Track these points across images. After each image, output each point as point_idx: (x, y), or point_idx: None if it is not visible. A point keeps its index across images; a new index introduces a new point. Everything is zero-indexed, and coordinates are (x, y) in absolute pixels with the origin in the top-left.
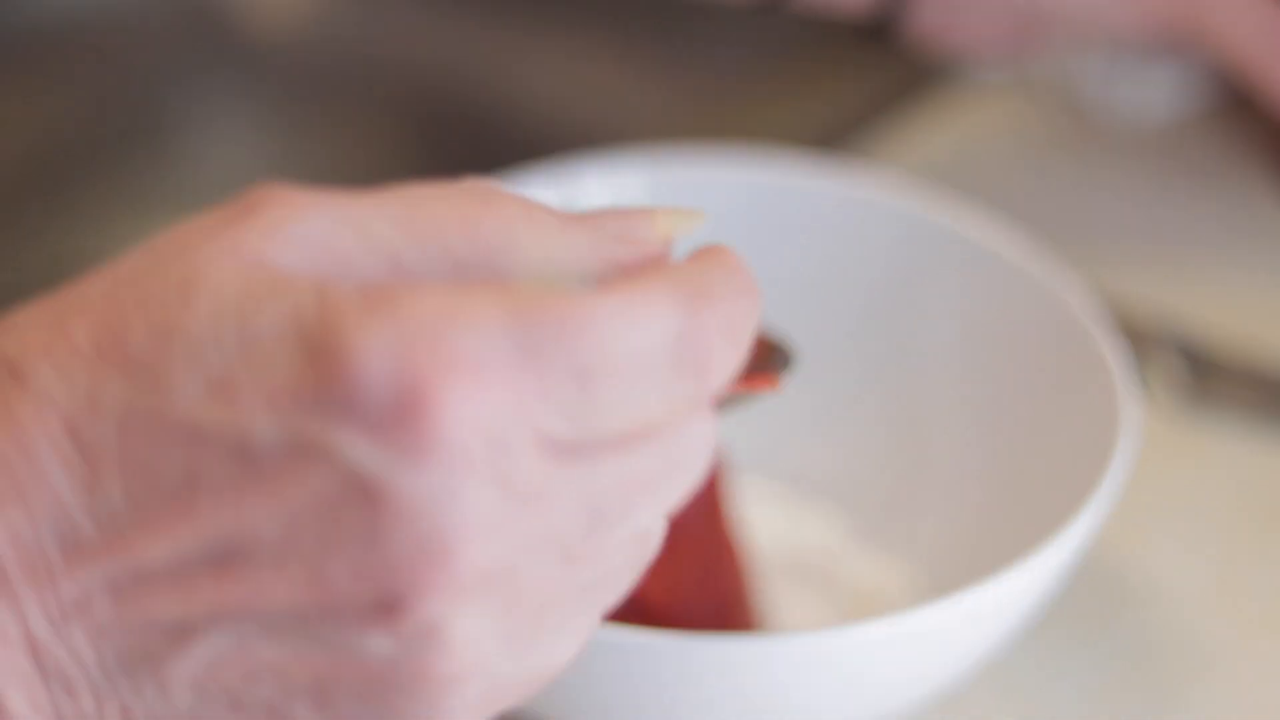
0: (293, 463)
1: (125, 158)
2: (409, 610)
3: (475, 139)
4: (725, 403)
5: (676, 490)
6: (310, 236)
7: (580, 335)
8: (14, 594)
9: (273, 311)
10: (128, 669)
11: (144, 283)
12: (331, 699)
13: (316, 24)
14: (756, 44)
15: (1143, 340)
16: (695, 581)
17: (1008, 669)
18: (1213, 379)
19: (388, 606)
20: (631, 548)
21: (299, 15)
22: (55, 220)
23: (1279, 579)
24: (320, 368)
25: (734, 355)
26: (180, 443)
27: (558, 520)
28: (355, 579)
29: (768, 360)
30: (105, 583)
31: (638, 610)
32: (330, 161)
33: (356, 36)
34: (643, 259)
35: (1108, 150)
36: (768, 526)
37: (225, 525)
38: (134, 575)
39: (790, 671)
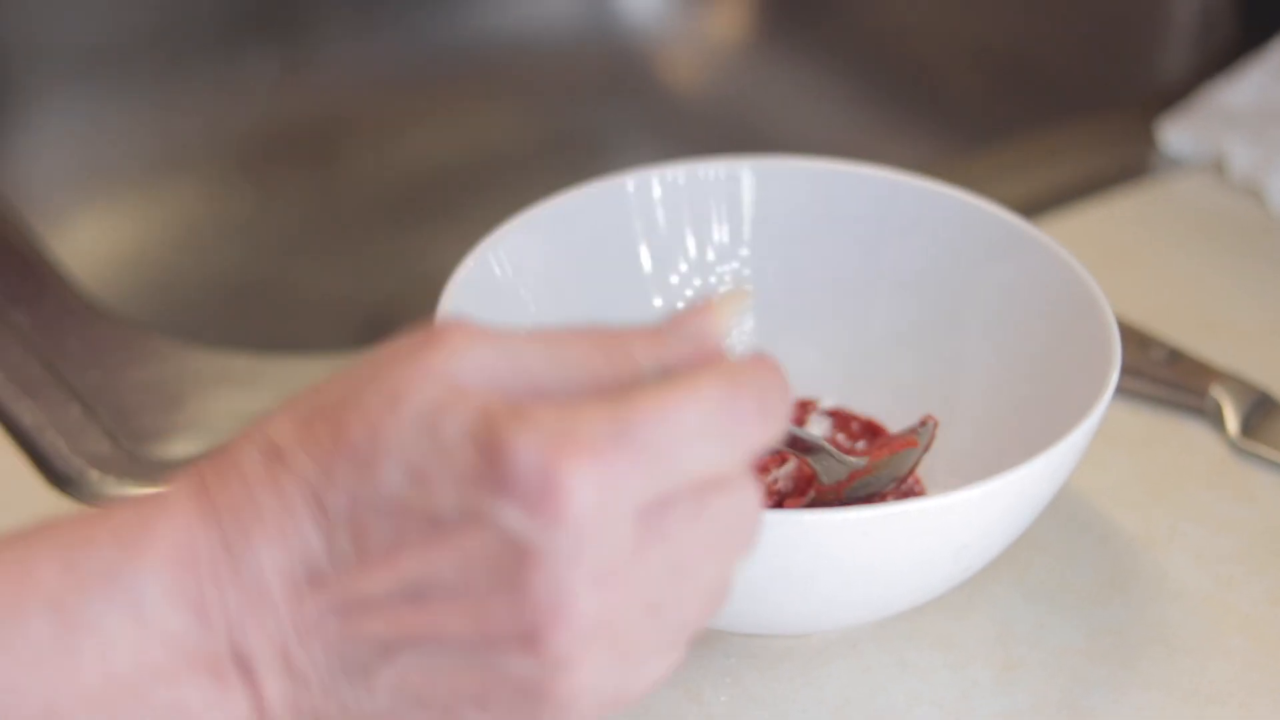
0: (467, 526)
1: (542, 171)
2: (546, 642)
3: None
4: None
5: (737, 549)
6: (478, 361)
7: (654, 417)
8: (276, 610)
9: (453, 419)
10: (347, 673)
11: (364, 393)
12: (488, 704)
13: (720, 78)
14: (995, 117)
15: (1216, 375)
16: None
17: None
18: (1276, 420)
19: (531, 638)
20: (705, 596)
21: (707, 68)
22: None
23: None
24: (488, 458)
25: (768, 426)
26: (389, 513)
27: (647, 575)
28: (509, 616)
29: (912, 430)
30: (336, 608)
31: None
32: None
33: (750, 94)
34: (704, 355)
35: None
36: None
37: (420, 570)
38: (356, 604)
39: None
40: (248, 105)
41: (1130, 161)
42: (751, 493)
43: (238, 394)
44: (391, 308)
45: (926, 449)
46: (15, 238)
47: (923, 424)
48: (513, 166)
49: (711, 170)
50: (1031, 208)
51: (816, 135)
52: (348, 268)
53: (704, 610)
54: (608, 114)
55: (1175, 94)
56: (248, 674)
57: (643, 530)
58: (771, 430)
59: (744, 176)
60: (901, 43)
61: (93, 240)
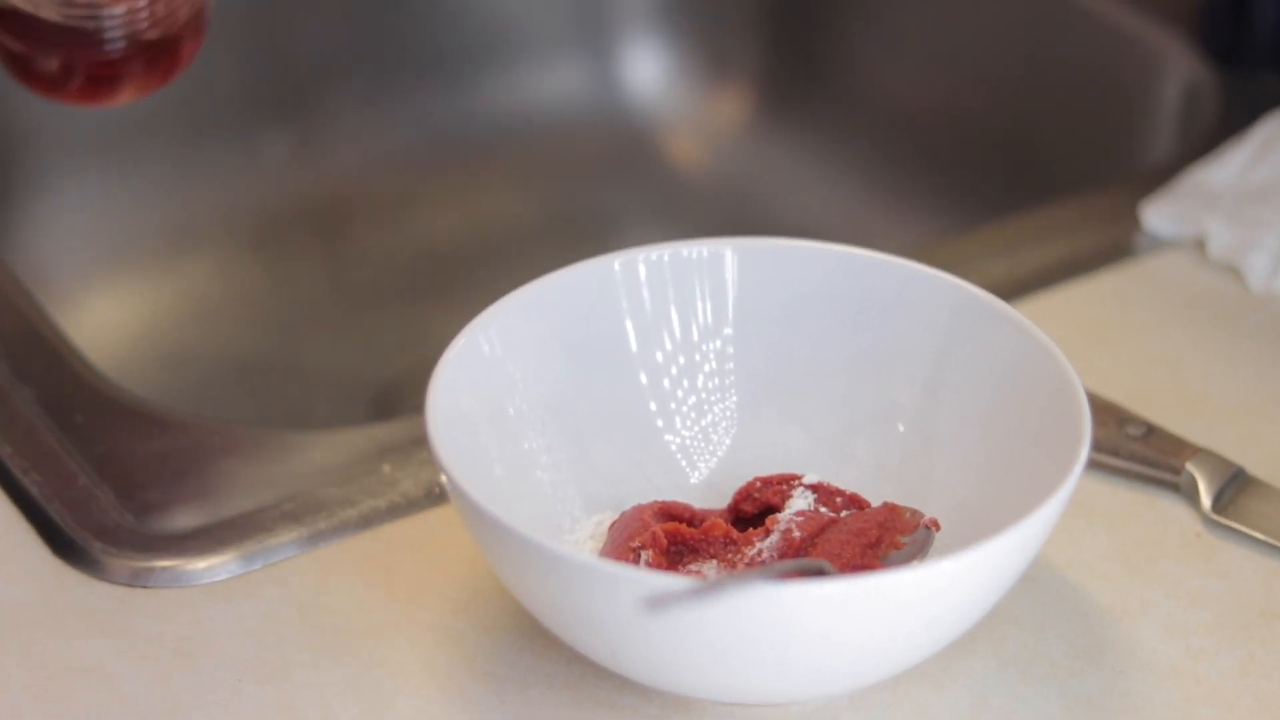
0: None
1: (548, 248)
2: None
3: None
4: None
5: None
6: None
7: None
8: None
9: None
10: None
11: None
12: None
13: (723, 156)
14: (989, 196)
15: (1192, 450)
16: None
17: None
18: (1249, 495)
19: None
20: None
21: (711, 147)
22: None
23: (1248, 668)
24: None
25: None
26: None
27: None
28: None
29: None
30: None
31: None
32: None
33: (753, 172)
34: None
35: (1250, 324)
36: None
37: None
38: None
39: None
40: (258, 183)
41: (1114, 241)
42: None
43: (243, 467)
44: (399, 384)
45: (923, 556)
46: (25, 311)
47: (923, 526)
48: (520, 244)
49: (695, 250)
50: (1019, 286)
51: (817, 213)
52: (356, 344)
53: None
54: (613, 192)
55: (1159, 176)
56: None
57: None
58: None
59: (727, 256)
60: (901, 122)
61: (104, 315)
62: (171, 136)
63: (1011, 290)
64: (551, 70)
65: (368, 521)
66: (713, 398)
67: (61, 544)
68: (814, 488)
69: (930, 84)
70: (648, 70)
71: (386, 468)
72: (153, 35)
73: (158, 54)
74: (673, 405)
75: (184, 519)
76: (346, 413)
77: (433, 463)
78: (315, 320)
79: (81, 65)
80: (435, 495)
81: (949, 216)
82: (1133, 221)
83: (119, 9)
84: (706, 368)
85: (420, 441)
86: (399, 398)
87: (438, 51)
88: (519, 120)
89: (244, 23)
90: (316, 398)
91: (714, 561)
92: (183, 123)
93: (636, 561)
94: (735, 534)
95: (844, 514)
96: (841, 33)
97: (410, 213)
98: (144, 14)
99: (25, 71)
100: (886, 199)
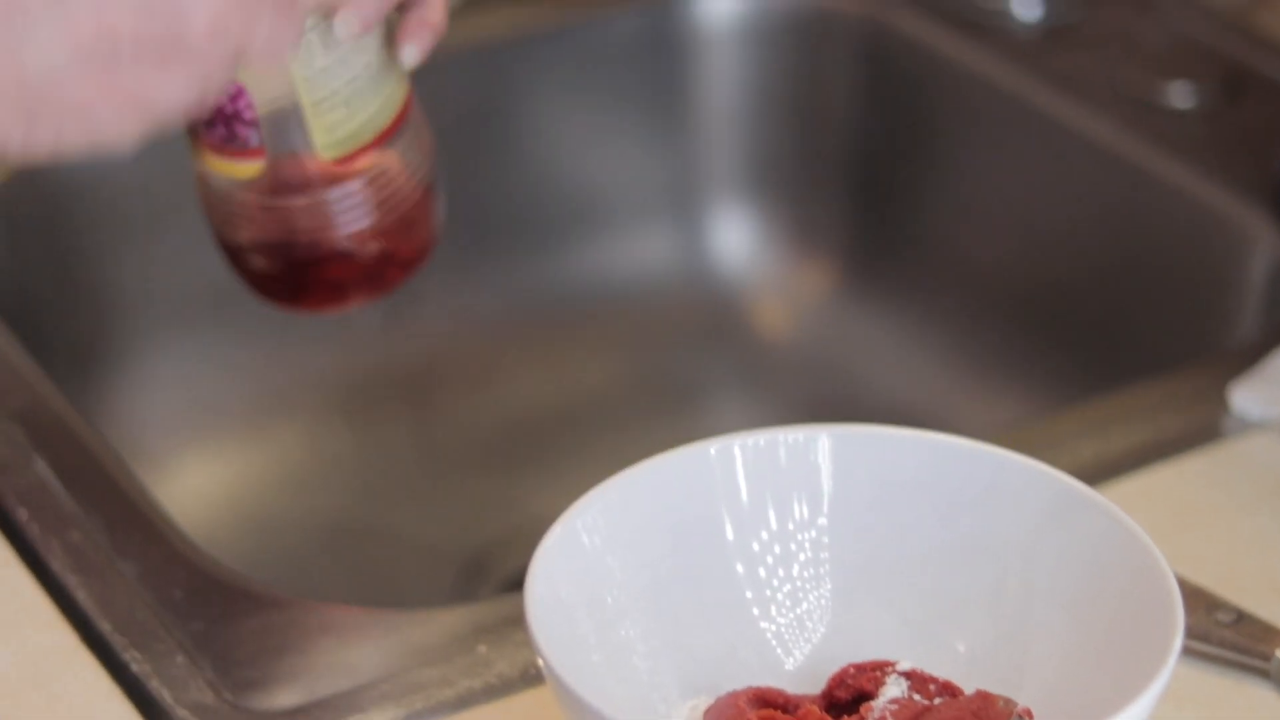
0: None
1: (636, 417)
2: None
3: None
4: None
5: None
6: None
7: None
8: None
9: None
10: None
11: None
12: (142, 47)
13: (809, 327)
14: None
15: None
16: None
17: None
18: None
19: None
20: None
21: (797, 317)
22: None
23: None
24: None
25: None
26: None
27: None
28: None
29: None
30: None
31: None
32: None
33: (838, 344)
34: None
35: None
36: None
37: None
38: None
39: None
40: (349, 349)
41: (1202, 423)
42: None
43: (341, 645)
44: (487, 552)
45: None
46: (125, 487)
47: (1017, 715)
48: (606, 411)
49: (791, 437)
50: (1107, 468)
51: (902, 385)
52: (444, 510)
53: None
54: (699, 360)
55: (1247, 356)
56: None
57: None
58: None
59: (822, 443)
60: (986, 296)
61: (195, 480)
62: (260, 306)
63: (1100, 473)
64: (640, 238)
65: (464, 702)
66: (807, 585)
67: None
68: (908, 675)
69: (1016, 258)
70: (735, 239)
71: (482, 648)
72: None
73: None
74: (768, 593)
75: (282, 697)
76: (435, 580)
77: (529, 645)
78: (404, 487)
79: (318, 266)
80: (531, 677)
81: (1034, 391)
82: (1220, 403)
83: (352, 184)
84: (802, 556)
85: (515, 621)
86: (487, 565)
87: (527, 218)
88: (607, 287)
89: None
90: (405, 564)
91: None
92: None
93: None
94: None
95: (937, 701)
96: (928, 205)
97: (498, 379)
98: (371, 192)
99: (269, 287)
100: (971, 372)
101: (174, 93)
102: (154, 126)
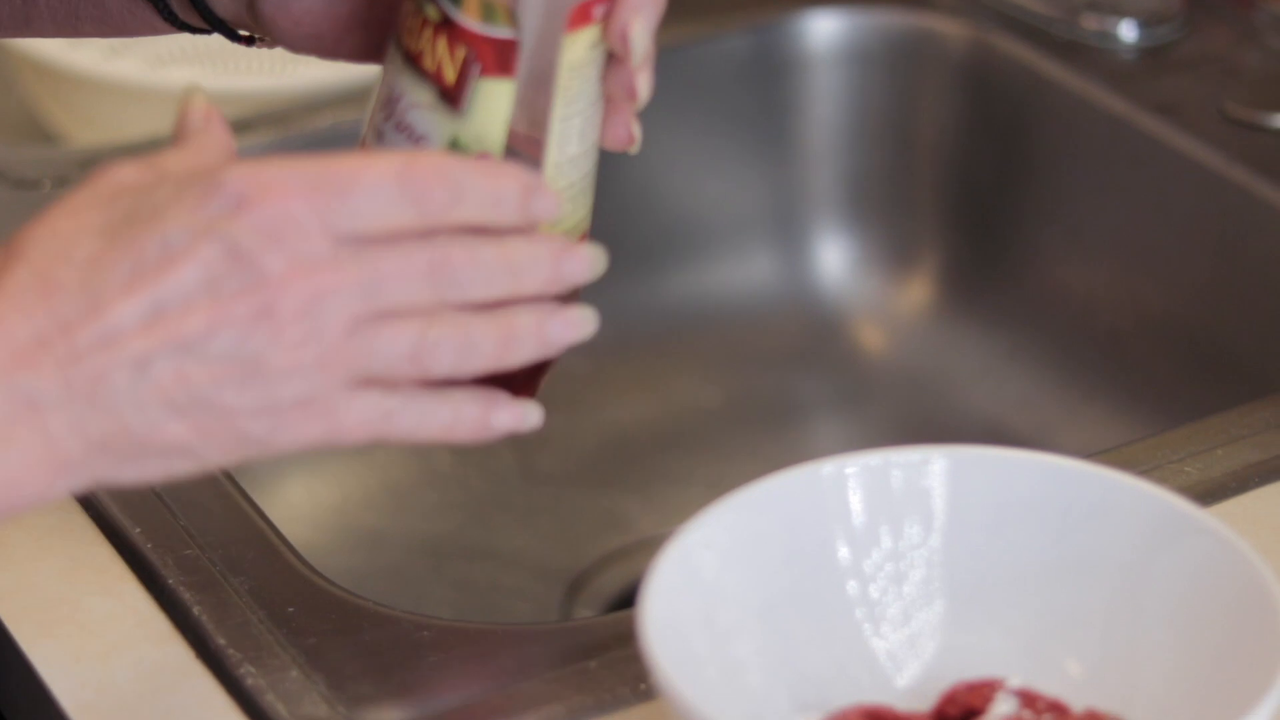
0: (192, 243)
1: (736, 436)
2: (277, 315)
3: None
4: None
5: (444, 290)
6: None
7: (340, 166)
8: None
9: (183, 169)
10: (117, 395)
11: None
12: (245, 388)
13: (909, 347)
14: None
15: None
16: None
17: None
18: None
19: (264, 312)
20: (398, 342)
21: (896, 336)
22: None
23: None
24: (208, 186)
25: (451, 193)
26: (127, 254)
27: (351, 282)
28: (240, 301)
29: None
30: (93, 344)
31: None
32: None
33: (937, 364)
34: None
35: None
36: None
37: (157, 290)
38: (110, 335)
39: None
40: None
41: None
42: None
43: (451, 661)
44: (590, 570)
45: None
46: (237, 502)
47: None
48: (707, 431)
49: (905, 458)
50: (1212, 490)
51: (999, 406)
52: (546, 528)
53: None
54: (799, 379)
55: None
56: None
57: (342, 248)
58: (459, 200)
59: (936, 464)
60: (1084, 317)
61: (299, 496)
62: None
63: (1205, 494)
64: (740, 258)
65: (574, 716)
66: (919, 603)
67: None
68: (1018, 693)
69: (1115, 280)
70: (835, 260)
71: (592, 664)
72: None
73: None
74: (879, 611)
75: (395, 712)
76: (536, 597)
77: (639, 661)
78: (505, 504)
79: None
80: (642, 693)
81: (1133, 415)
82: None
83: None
84: (914, 575)
85: (623, 638)
86: (589, 584)
87: (629, 238)
88: (707, 307)
89: None
90: (507, 581)
91: None
92: None
93: None
94: None
95: (1046, 718)
96: (1027, 228)
97: (600, 399)
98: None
99: None
100: (1069, 395)
101: (276, 432)
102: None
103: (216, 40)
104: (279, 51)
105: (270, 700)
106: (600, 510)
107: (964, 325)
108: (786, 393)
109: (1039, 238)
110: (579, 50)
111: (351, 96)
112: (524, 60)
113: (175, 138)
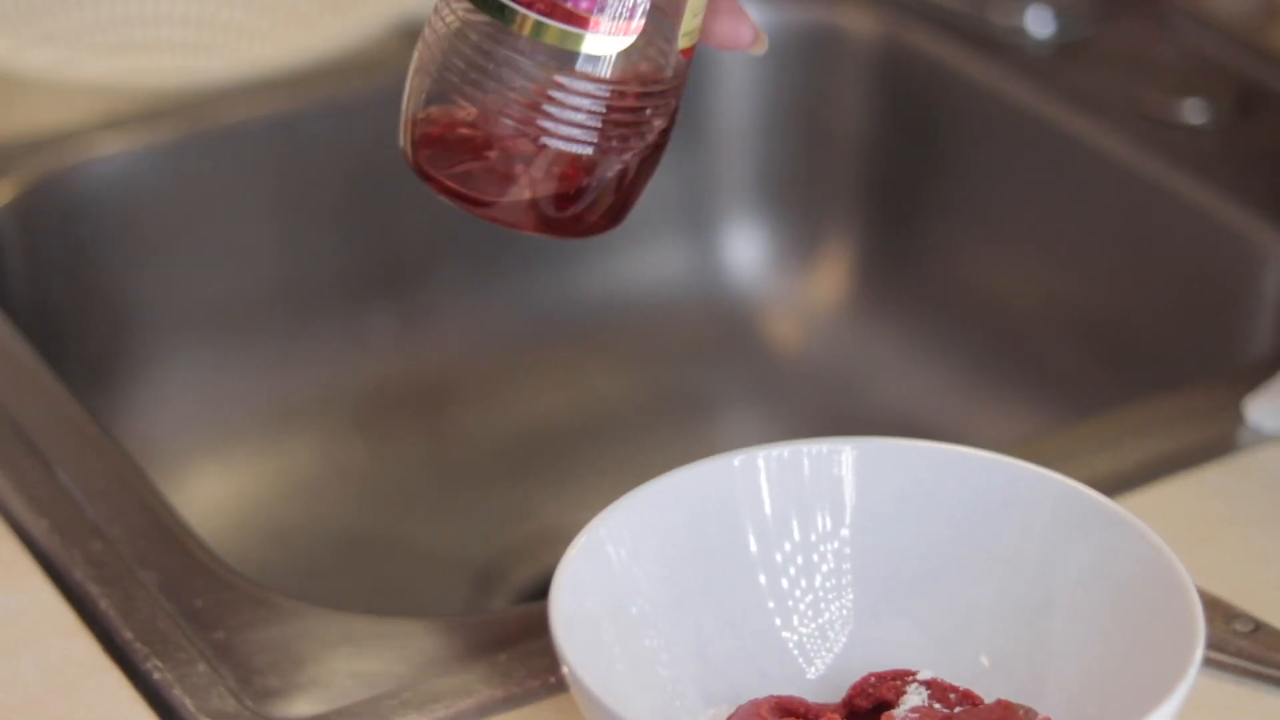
0: None
1: (648, 428)
2: None
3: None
4: None
5: None
6: None
7: None
8: None
9: None
10: None
11: None
12: None
13: (820, 339)
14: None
15: None
16: None
17: None
18: None
19: None
20: None
21: (808, 329)
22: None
23: None
24: None
25: None
26: None
27: None
28: None
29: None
30: None
31: None
32: None
33: (849, 356)
34: None
35: None
36: None
37: None
38: None
39: None
40: (362, 362)
41: (1217, 436)
42: None
43: (361, 655)
44: (501, 565)
45: None
46: (145, 497)
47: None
48: (619, 423)
49: (814, 449)
50: (1122, 481)
51: (912, 399)
52: (458, 521)
53: None
54: (711, 372)
55: (1262, 370)
56: None
57: None
58: None
59: (845, 455)
60: (997, 309)
61: (209, 491)
62: (276, 317)
63: (1115, 485)
64: (652, 251)
65: (485, 710)
66: (829, 595)
67: None
68: (928, 684)
69: (1028, 272)
70: (747, 253)
71: (503, 657)
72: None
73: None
74: (790, 603)
75: (303, 706)
76: (449, 590)
77: (549, 653)
78: (417, 498)
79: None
80: (552, 685)
81: (1046, 406)
82: (1235, 416)
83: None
84: (824, 567)
85: (534, 630)
86: (500, 576)
87: None
88: (618, 300)
89: (348, 206)
90: (419, 575)
91: None
92: (287, 304)
93: None
94: None
95: (958, 710)
96: (940, 220)
97: (512, 392)
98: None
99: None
100: (983, 386)
101: None
102: None
103: (133, 34)
104: (190, 43)
105: (178, 694)
106: (512, 502)
107: (876, 318)
108: (699, 385)
109: (950, 230)
110: None
111: (262, 88)
112: None
113: None
